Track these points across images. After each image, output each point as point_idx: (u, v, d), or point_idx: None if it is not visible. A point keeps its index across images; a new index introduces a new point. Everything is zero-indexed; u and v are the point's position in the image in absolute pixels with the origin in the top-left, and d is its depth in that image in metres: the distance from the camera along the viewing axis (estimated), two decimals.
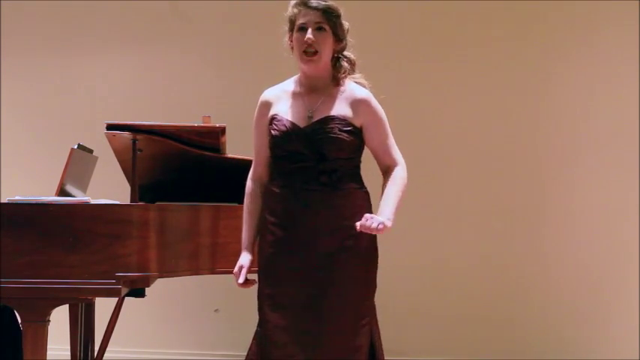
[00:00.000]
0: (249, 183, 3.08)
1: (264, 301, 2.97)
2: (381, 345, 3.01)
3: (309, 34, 2.91)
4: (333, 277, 2.90)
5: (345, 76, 3.00)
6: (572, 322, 5.21)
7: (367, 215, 2.83)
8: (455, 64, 5.35)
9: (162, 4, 5.52)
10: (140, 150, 3.54)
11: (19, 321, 3.41)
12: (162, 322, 5.45)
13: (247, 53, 5.41)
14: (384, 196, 2.94)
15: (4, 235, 3.24)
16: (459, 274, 5.27)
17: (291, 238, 2.92)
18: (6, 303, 3.30)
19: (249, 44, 5.41)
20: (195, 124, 3.59)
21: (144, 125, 3.52)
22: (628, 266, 5.23)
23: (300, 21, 2.94)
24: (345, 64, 3.00)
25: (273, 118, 2.98)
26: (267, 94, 3.06)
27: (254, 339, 3.02)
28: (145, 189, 3.78)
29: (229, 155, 3.77)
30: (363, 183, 3.02)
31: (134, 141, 3.50)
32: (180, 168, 3.78)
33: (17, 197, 3.36)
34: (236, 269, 3.03)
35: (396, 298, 5.09)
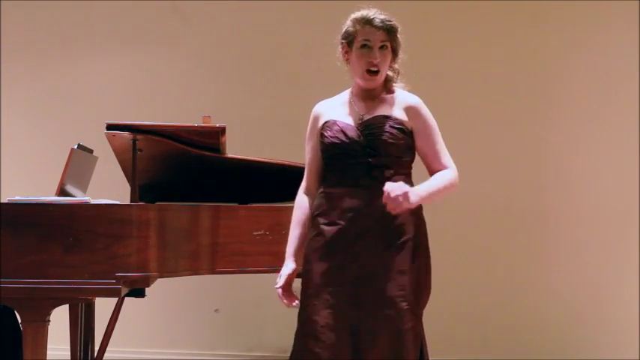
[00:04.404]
0: (300, 195, 3.09)
1: (310, 300, 2.94)
2: (427, 347, 3.02)
3: (376, 55, 2.95)
4: (380, 275, 2.91)
5: (391, 85, 3.06)
6: (572, 322, 5.21)
7: (394, 185, 2.81)
8: (455, 64, 5.36)
9: (162, 5, 5.52)
10: (140, 150, 3.54)
11: (19, 321, 3.41)
12: (162, 322, 5.45)
13: (247, 53, 5.41)
14: (428, 181, 2.99)
15: (4, 235, 3.24)
16: (459, 274, 5.27)
17: (341, 236, 2.92)
18: (6, 303, 3.30)
19: (249, 44, 5.42)
20: (195, 124, 3.59)
21: (144, 125, 3.52)
22: (628, 266, 5.22)
23: (363, 38, 2.97)
24: (390, 73, 3.05)
25: (325, 123, 3.02)
26: (318, 108, 3.10)
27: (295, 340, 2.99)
28: (145, 189, 3.78)
29: (229, 155, 3.77)
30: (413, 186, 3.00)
31: (134, 141, 3.50)
32: (180, 168, 3.78)
33: (17, 197, 3.36)
34: (282, 282, 2.99)
35: None
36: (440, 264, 5.27)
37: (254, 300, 5.20)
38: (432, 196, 2.98)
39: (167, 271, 3.43)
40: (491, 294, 5.26)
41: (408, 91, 3.11)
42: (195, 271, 3.55)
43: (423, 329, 3.06)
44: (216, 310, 5.43)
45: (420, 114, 3.06)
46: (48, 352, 3.29)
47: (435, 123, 3.09)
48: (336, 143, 2.96)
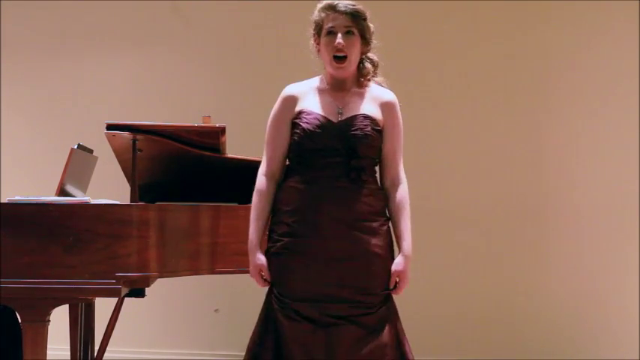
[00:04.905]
0: (262, 180, 3.00)
1: (276, 299, 2.95)
2: (408, 343, 3.00)
3: (339, 39, 2.92)
4: (347, 275, 2.89)
5: (370, 79, 3.02)
6: (572, 322, 5.21)
7: (398, 278, 2.96)
8: (455, 65, 5.36)
9: (162, 5, 5.52)
10: (140, 150, 3.54)
11: (19, 321, 3.41)
12: (162, 322, 5.45)
13: (247, 53, 5.41)
14: (401, 227, 2.97)
15: (4, 235, 3.24)
16: (459, 274, 5.27)
17: (309, 234, 2.90)
18: (6, 303, 3.30)
19: (249, 44, 5.42)
20: (195, 124, 3.58)
21: (144, 125, 3.52)
22: (628, 266, 5.23)
23: (328, 25, 2.95)
24: (368, 65, 3.02)
25: (301, 112, 2.96)
26: (292, 89, 3.04)
27: (258, 329, 2.99)
28: (145, 189, 3.78)
29: (229, 155, 3.77)
30: (380, 187, 3.02)
31: (134, 141, 3.50)
32: (180, 168, 3.78)
33: (17, 197, 3.36)
34: (254, 272, 2.98)
35: (395, 298, 5.09)
36: (440, 264, 5.31)
37: (254, 300, 5.18)
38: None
39: (167, 271, 3.43)
40: (491, 294, 5.26)
41: (387, 85, 3.07)
42: (195, 271, 3.54)
43: (399, 322, 3.03)
44: (216, 310, 5.43)
45: (394, 113, 3.01)
46: (48, 352, 3.29)
47: (402, 126, 3.04)
48: (314, 138, 2.90)
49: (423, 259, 5.27)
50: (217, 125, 3.58)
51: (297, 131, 2.94)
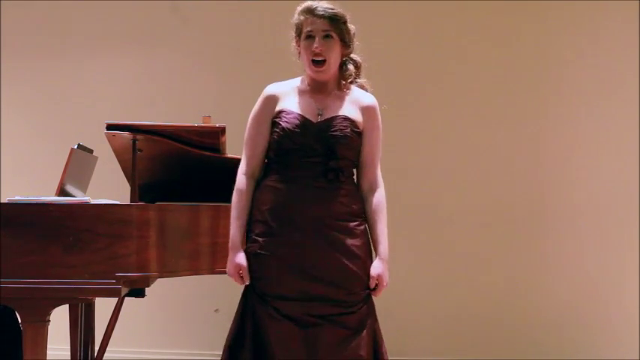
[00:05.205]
0: (242, 178, 3.03)
1: (258, 296, 2.96)
2: (384, 344, 3.01)
3: (317, 43, 2.93)
4: (325, 274, 2.90)
5: (352, 80, 3.03)
6: (572, 322, 5.21)
7: (377, 281, 2.96)
8: (454, 65, 5.36)
9: (162, 5, 5.52)
10: (140, 150, 3.54)
11: (19, 321, 3.41)
12: (162, 322, 5.45)
13: (247, 53, 5.41)
14: (377, 232, 2.99)
15: (4, 235, 3.24)
16: (459, 274, 5.27)
17: (286, 233, 2.91)
18: (6, 303, 3.30)
19: (249, 44, 5.42)
20: (195, 124, 3.59)
21: (144, 125, 3.52)
22: (628, 266, 5.23)
23: (307, 29, 2.96)
24: (350, 67, 3.03)
25: (281, 112, 2.98)
26: (273, 89, 3.06)
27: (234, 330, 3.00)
28: (145, 189, 3.78)
29: (229, 155, 3.77)
30: (358, 188, 3.04)
31: (134, 141, 3.50)
32: (180, 168, 3.78)
33: (17, 197, 3.36)
34: (233, 271, 3.00)
35: (395, 298, 5.09)
36: (439, 264, 5.31)
37: None
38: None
39: (167, 271, 3.43)
40: (491, 294, 5.26)
41: (370, 87, 3.08)
42: (195, 271, 3.54)
43: (377, 323, 3.04)
44: (216, 310, 5.43)
45: (374, 117, 3.03)
46: (48, 352, 3.29)
47: (381, 130, 3.05)
48: (293, 138, 2.92)
49: (422, 259, 5.29)
50: (217, 125, 3.59)
51: (277, 130, 2.96)
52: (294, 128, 2.93)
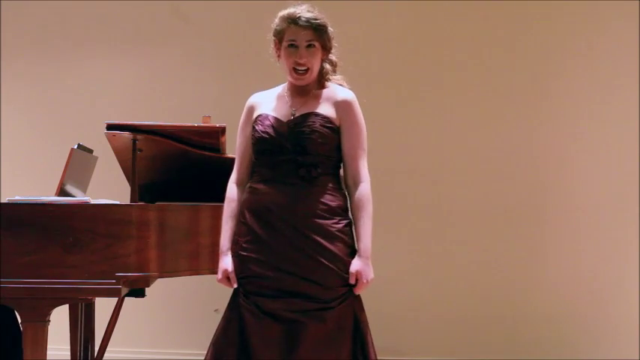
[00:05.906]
0: (232, 187, 3.09)
1: (242, 295, 2.98)
2: (373, 345, 3.01)
3: (301, 54, 2.98)
4: (299, 270, 2.92)
5: (328, 78, 3.07)
6: (572, 322, 5.21)
7: (357, 277, 2.93)
8: (453, 66, 5.35)
9: (162, 5, 5.52)
10: (140, 150, 3.54)
11: (19, 321, 3.41)
12: (162, 322, 5.45)
13: (247, 54, 5.40)
14: (358, 229, 2.98)
15: (4, 235, 3.24)
16: (459, 274, 5.27)
17: (263, 232, 2.94)
18: (6, 303, 3.30)
19: (249, 45, 5.40)
20: (195, 124, 3.59)
21: (144, 125, 3.52)
22: (628, 266, 5.22)
23: (290, 37, 3.00)
24: (327, 65, 3.07)
25: (257, 117, 3.05)
26: (253, 99, 3.14)
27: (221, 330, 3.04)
28: (145, 189, 3.78)
29: (229, 155, 3.77)
30: (341, 185, 3.05)
31: (134, 141, 3.50)
32: (180, 168, 3.78)
33: (17, 197, 3.37)
34: (220, 276, 3.03)
35: (395, 298, 5.10)
36: (439, 264, 5.31)
37: None
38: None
39: (167, 271, 3.43)
40: (491, 294, 5.26)
41: (346, 84, 3.09)
42: (195, 271, 3.55)
43: (366, 322, 3.04)
44: (216, 310, 5.41)
45: (350, 110, 3.03)
46: (48, 352, 3.30)
47: (363, 124, 3.05)
48: (266, 138, 2.98)
49: (422, 259, 5.29)
50: (217, 125, 3.59)
51: (254, 135, 3.03)
52: (266, 129, 2.99)
